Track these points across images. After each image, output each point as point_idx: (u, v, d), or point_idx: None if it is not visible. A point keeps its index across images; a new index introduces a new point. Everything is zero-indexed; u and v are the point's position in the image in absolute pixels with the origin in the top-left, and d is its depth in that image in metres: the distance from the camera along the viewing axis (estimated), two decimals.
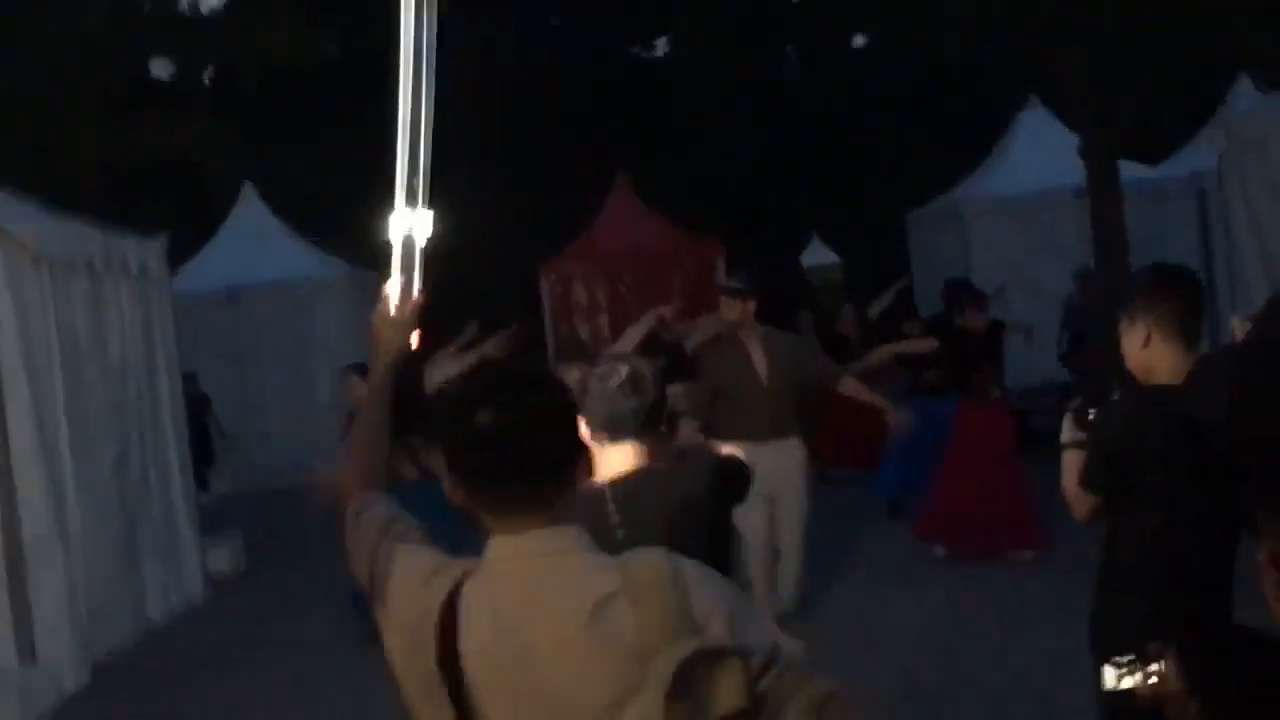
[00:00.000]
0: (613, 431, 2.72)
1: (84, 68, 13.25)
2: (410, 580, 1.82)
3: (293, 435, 13.73)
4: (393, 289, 2.17)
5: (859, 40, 23.28)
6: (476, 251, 20.10)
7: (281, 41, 13.80)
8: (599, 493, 2.68)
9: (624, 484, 2.72)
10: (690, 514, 2.72)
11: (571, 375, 7.37)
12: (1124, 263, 11.27)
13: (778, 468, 5.79)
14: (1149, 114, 12.17)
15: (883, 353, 7.64)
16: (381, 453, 2.09)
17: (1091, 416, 3.11)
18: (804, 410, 6.58)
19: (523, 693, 1.69)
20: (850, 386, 6.50)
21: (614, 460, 2.74)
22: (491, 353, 7.83)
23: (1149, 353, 3.02)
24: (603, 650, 1.65)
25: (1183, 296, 3.04)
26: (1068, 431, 3.18)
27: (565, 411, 1.82)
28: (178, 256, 13.07)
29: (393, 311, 2.16)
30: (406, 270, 2.20)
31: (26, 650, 6.42)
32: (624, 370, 2.78)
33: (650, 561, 1.70)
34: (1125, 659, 1.97)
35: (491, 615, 1.71)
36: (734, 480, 3.08)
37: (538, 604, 1.70)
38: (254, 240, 13.92)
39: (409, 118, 2.14)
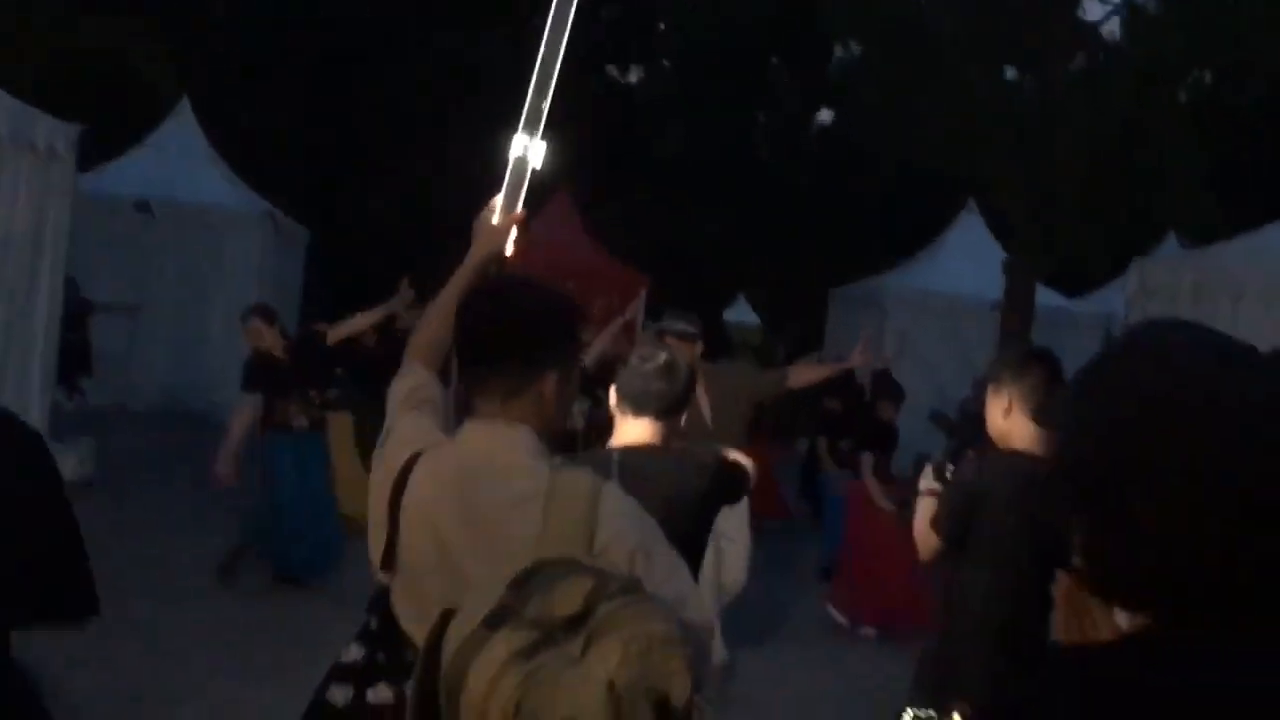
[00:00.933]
0: (636, 406, 2.95)
1: None
2: (405, 433, 2.06)
3: (176, 363, 13.40)
4: (500, 200, 2.39)
5: (824, 116, 23.67)
6: (413, 225, 19.90)
7: None
8: (607, 455, 2.89)
9: (632, 454, 2.90)
10: (683, 501, 2.85)
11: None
12: None
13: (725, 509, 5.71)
14: (1077, 249, 12.52)
15: (819, 369, 7.56)
16: (446, 335, 2.20)
17: (948, 472, 3.34)
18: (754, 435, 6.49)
19: (436, 552, 1.90)
20: (802, 374, 6.46)
21: (630, 431, 2.96)
22: (397, 306, 7.77)
23: (1009, 422, 3.25)
24: (510, 535, 1.82)
25: (1045, 374, 3.26)
26: (925, 481, 3.39)
27: (542, 317, 2.00)
28: (97, 158, 12.74)
29: (495, 219, 2.37)
30: (514, 188, 2.43)
31: None
32: (663, 357, 3.04)
33: (578, 479, 1.88)
34: (925, 713, 1.95)
35: (431, 481, 1.94)
36: (732, 483, 3.21)
37: (471, 478, 1.91)
38: (178, 157, 13.53)
39: (547, 54, 2.41)
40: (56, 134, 8.12)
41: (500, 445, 1.93)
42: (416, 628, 1.86)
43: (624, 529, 1.83)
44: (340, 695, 1.98)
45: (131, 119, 14.72)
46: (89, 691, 4.83)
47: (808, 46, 20.69)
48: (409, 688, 1.70)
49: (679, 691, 1.54)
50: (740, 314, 25.16)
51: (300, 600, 6.84)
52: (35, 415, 8.34)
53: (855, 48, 14.80)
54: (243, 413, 6.99)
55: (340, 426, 7.37)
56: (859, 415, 8.64)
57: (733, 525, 5.79)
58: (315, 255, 15.78)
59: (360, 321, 7.42)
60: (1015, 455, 3.23)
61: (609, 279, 15.21)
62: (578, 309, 2.12)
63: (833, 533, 8.62)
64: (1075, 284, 14.77)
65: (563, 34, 2.45)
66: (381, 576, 1.97)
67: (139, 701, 5.02)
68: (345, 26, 19.44)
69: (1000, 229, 14.12)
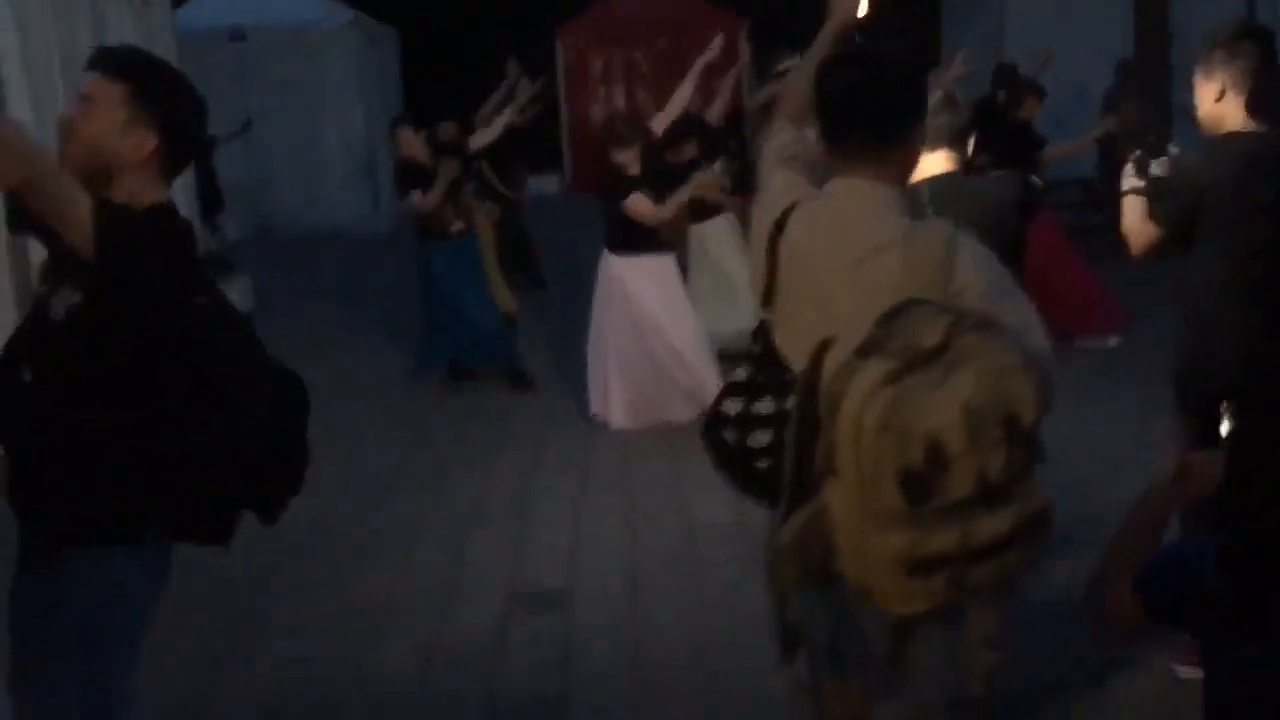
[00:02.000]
0: (929, 143, 2.95)
1: None
2: (780, 187, 2.31)
3: (298, 188, 13.55)
4: None
5: None
6: (493, 9, 19.33)
7: None
8: (915, 187, 2.96)
9: (936, 181, 3.06)
10: (995, 215, 2.97)
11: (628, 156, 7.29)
12: (1164, 55, 10.85)
13: None
14: None
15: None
16: (808, 93, 2.34)
17: (1153, 166, 3.25)
18: None
19: (807, 290, 2.18)
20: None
21: (929, 165, 3.04)
22: (524, 98, 7.71)
23: (1222, 106, 3.17)
24: (872, 279, 2.04)
25: (1258, 54, 3.15)
26: (1128, 180, 3.31)
27: (909, 77, 2.19)
28: None
29: None
30: None
31: None
32: (939, 93, 3.10)
33: (936, 226, 2.13)
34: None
35: (807, 228, 2.20)
36: (1034, 193, 3.38)
37: (839, 229, 2.14)
38: None
39: None
40: None
41: (865, 199, 2.15)
42: (794, 353, 2.16)
43: (977, 273, 2.03)
44: (732, 407, 2.24)
45: None
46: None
47: None
48: (789, 402, 2.09)
49: (1027, 413, 1.81)
50: None
51: (487, 391, 7.08)
52: None
53: None
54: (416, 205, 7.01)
55: (486, 227, 7.41)
56: (993, 125, 7.89)
57: None
58: (408, 54, 15.55)
59: (499, 124, 7.39)
60: (1237, 138, 3.15)
61: (707, 24, 14.57)
62: (927, 78, 2.28)
63: None
64: None
65: None
66: (763, 311, 2.28)
67: (376, 486, 5.32)
68: None
69: None
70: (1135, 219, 3.30)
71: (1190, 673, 3.41)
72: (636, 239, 6.22)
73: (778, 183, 2.33)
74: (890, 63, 2.16)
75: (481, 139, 7.31)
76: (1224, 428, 1.95)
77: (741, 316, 6.93)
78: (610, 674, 3.76)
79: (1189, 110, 3.43)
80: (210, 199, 10.48)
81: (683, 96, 6.62)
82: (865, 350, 1.85)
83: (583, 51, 16.28)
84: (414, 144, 7.07)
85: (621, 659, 3.85)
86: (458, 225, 7.11)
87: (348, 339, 8.58)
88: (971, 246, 2.07)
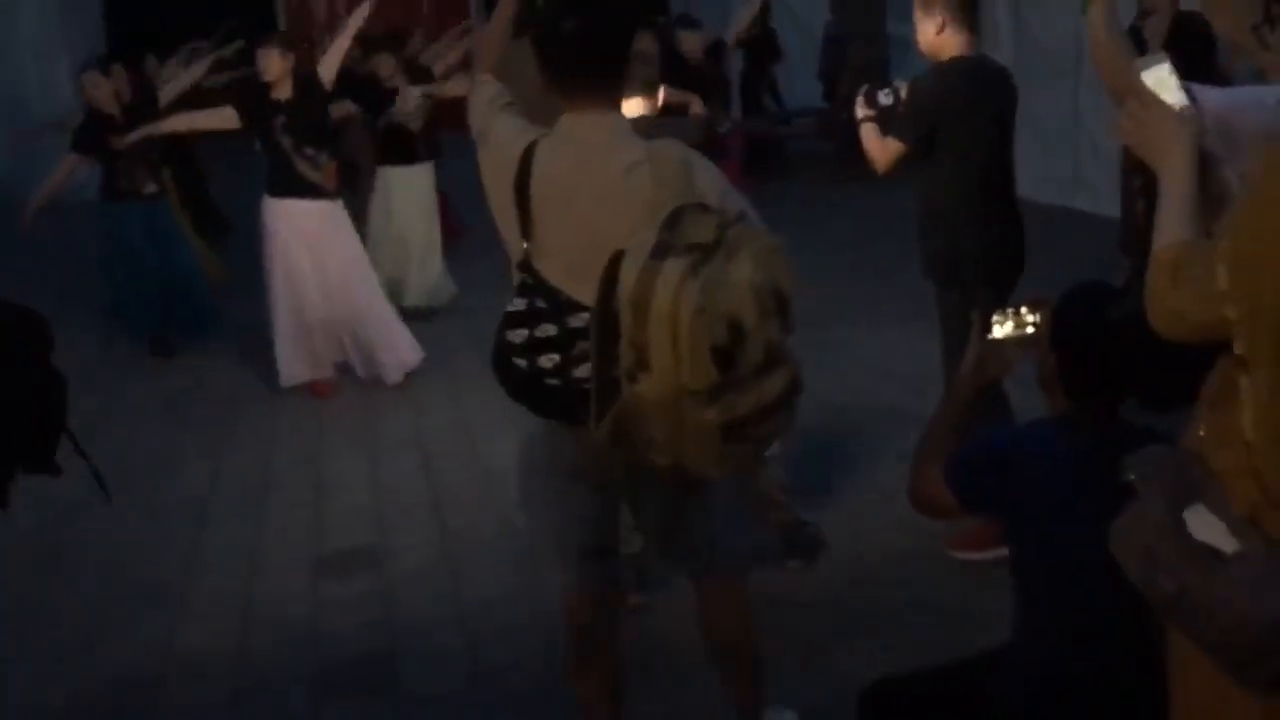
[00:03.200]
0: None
1: None
2: (506, 132, 2.50)
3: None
4: None
5: None
6: None
7: None
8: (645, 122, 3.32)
9: (634, 123, 3.24)
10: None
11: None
12: None
13: None
14: None
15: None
16: (503, 51, 2.70)
17: (880, 97, 3.76)
18: None
19: (568, 217, 2.37)
20: None
21: (627, 109, 3.20)
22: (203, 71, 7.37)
23: (942, 38, 3.70)
24: (629, 196, 2.32)
25: None
26: (861, 110, 3.82)
27: (626, 22, 2.41)
28: None
29: None
30: None
31: None
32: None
33: (670, 144, 2.43)
34: (1008, 310, 2.15)
35: (554, 161, 2.39)
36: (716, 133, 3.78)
37: (588, 158, 2.37)
38: None
39: None
40: None
41: (605, 128, 2.40)
42: (563, 276, 2.38)
43: (711, 179, 2.40)
44: (517, 336, 2.40)
45: None
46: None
47: None
48: (571, 321, 2.34)
49: (788, 283, 2.16)
50: None
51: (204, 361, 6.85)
52: None
53: None
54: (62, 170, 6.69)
55: (173, 188, 7.14)
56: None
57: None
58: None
59: (186, 77, 7.09)
60: (961, 61, 3.72)
61: None
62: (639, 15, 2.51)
63: None
64: None
65: None
66: (523, 245, 2.44)
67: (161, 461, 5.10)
68: None
69: None
70: (874, 142, 3.78)
71: (965, 555, 3.84)
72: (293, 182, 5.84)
73: (504, 127, 2.51)
74: (610, 7, 2.39)
75: (169, 92, 6.94)
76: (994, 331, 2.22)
77: (425, 275, 7.22)
78: (434, 622, 3.81)
79: (906, 40, 3.88)
80: None
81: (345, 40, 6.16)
82: (659, 252, 2.10)
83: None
84: (103, 88, 6.59)
85: (443, 605, 3.91)
86: (150, 187, 6.77)
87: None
88: (698, 157, 2.44)
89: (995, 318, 2.20)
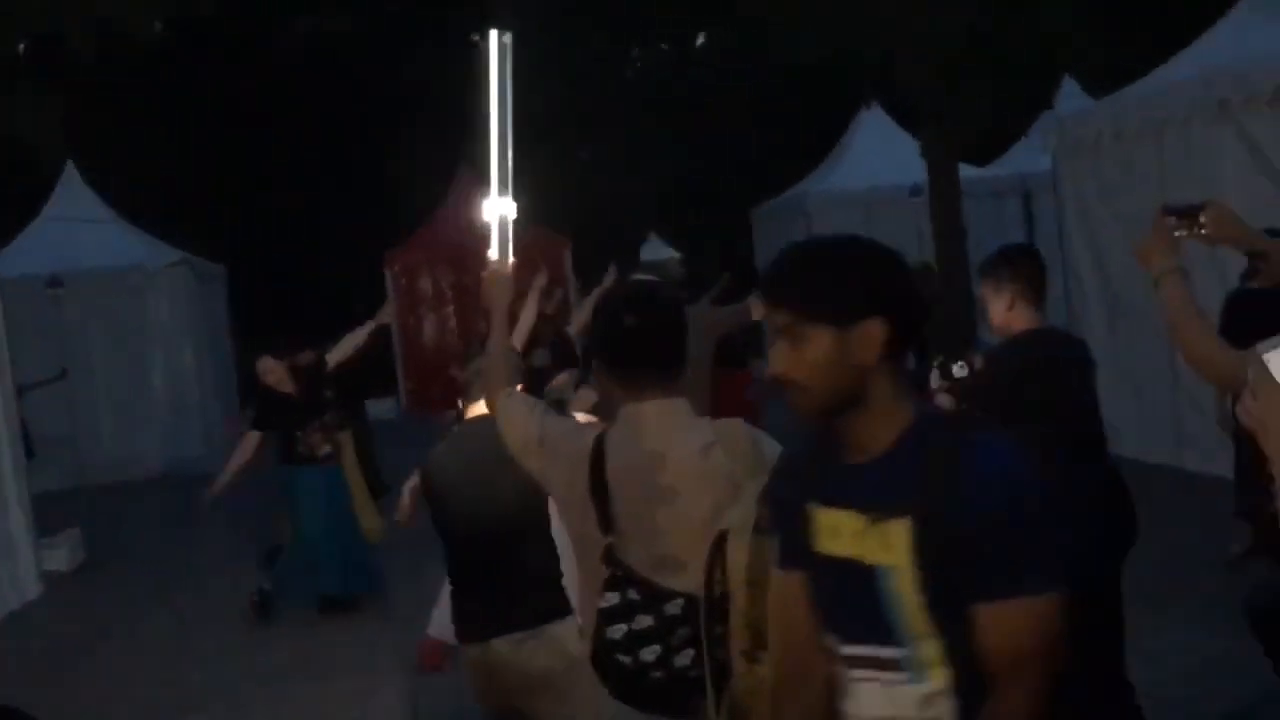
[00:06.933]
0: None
1: None
2: (565, 428, 2.64)
3: (124, 431, 13.08)
4: (494, 255, 3.02)
5: (700, 39, 23.55)
6: (320, 241, 19.56)
7: (108, 11, 13.06)
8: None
9: None
10: None
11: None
12: (963, 255, 11.75)
13: None
14: (979, 116, 12.69)
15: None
16: (516, 368, 2.86)
17: (954, 370, 3.86)
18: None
19: (651, 501, 2.42)
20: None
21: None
22: (385, 317, 7.83)
23: (1012, 314, 3.79)
24: (710, 476, 2.40)
25: (1037, 268, 3.83)
26: (936, 381, 3.93)
27: (682, 319, 2.54)
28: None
29: (495, 270, 3.00)
30: (503, 243, 3.04)
31: None
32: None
33: (735, 423, 2.53)
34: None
35: (629, 449, 2.46)
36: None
37: (663, 443, 2.45)
38: (78, 224, 13.13)
39: (498, 129, 3.03)
40: None
41: (672, 414, 2.49)
42: (654, 568, 2.39)
43: (776, 448, 2.41)
44: (615, 631, 2.39)
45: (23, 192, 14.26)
46: None
47: None
48: (668, 609, 2.34)
49: None
50: (655, 251, 25.04)
51: (343, 625, 6.84)
52: (16, 519, 8.17)
53: None
54: (246, 448, 6.98)
55: (348, 448, 7.36)
56: None
57: None
58: (236, 288, 15.51)
59: (352, 341, 7.45)
60: (1035, 334, 3.79)
61: (532, 244, 15.05)
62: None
63: None
64: (984, 154, 15.00)
65: (506, 99, 3.01)
66: (606, 539, 2.45)
67: None
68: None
69: (904, 118, 14.27)
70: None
71: None
72: None
73: (558, 426, 2.64)
74: (667, 300, 2.57)
75: (337, 356, 7.31)
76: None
77: None
78: None
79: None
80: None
81: (530, 315, 6.60)
82: (760, 529, 2.13)
83: (411, 275, 16.55)
84: (277, 371, 7.06)
85: None
86: (325, 450, 7.05)
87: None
88: (760, 431, 2.55)
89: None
